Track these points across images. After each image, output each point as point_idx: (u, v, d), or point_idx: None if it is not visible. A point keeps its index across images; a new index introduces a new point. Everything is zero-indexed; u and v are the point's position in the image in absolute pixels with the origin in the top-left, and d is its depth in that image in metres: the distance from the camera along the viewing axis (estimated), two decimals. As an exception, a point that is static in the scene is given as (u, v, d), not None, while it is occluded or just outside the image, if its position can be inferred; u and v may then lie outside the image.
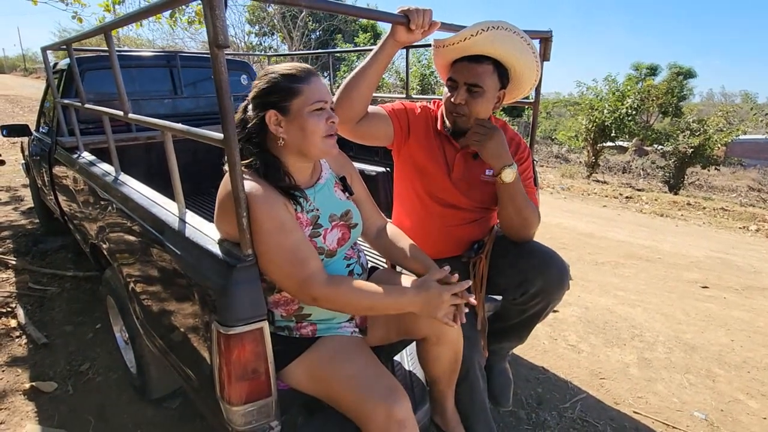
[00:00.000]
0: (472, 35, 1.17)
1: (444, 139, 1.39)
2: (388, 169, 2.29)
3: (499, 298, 1.47)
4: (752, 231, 5.18)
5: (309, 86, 0.98)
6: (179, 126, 1.07)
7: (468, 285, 1.00)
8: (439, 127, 1.40)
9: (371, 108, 1.32)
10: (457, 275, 1.04)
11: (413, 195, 1.45)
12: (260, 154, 1.00)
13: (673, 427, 1.76)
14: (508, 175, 1.23)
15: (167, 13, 5.29)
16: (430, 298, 0.97)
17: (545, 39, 1.56)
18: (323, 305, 0.97)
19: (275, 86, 0.98)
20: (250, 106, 1.01)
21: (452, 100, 1.28)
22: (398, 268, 1.42)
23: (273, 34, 16.12)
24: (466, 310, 1.00)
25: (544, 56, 1.56)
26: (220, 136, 0.86)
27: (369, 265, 1.27)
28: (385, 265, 1.63)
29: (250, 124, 1.00)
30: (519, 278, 1.31)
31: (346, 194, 1.16)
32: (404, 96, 2.25)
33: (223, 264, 0.95)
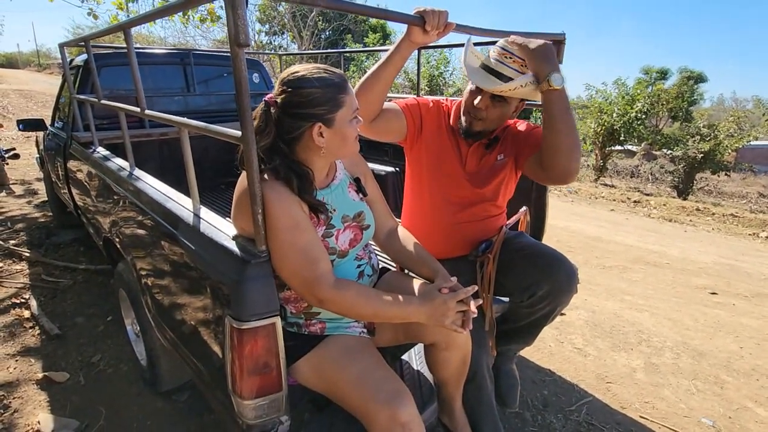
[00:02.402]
0: (512, 89, 1.18)
1: (456, 134, 1.40)
2: (397, 169, 2.30)
3: (507, 299, 1.48)
4: (762, 238, 5.12)
5: (349, 95, 0.98)
6: (197, 123, 1.08)
7: (474, 290, 0.99)
8: (452, 122, 1.41)
9: (385, 104, 1.33)
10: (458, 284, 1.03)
11: (424, 191, 1.46)
12: (291, 165, 0.97)
13: (680, 433, 1.76)
14: (557, 79, 1.12)
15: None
16: (435, 307, 0.96)
17: (558, 42, 1.56)
18: (328, 308, 0.98)
19: (322, 97, 0.94)
20: (282, 115, 0.95)
21: (474, 103, 1.29)
22: (407, 271, 1.43)
23: (283, 33, 16.19)
24: (474, 315, 0.99)
25: (558, 59, 1.56)
26: (238, 133, 0.88)
27: (380, 266, 1.27)
28: (394, 267, 1.64)
29: (291, 135, 0.96)
30: (527, 281, 1.31)
31: (360, 195, 1.16)
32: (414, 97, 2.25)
33: (237, 259, 0.97)
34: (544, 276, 1.28)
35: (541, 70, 1.14)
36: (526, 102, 1.36)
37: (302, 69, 0.96)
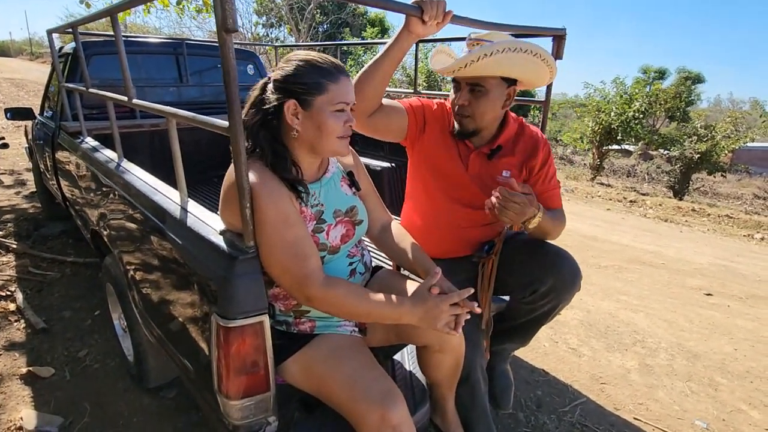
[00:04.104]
0: (473, 61, 1.15)
1: (459, 137, 1.37)
2: (393, 164, 2.26)
3: (506, 298, 1.45)
4: (757, 239, 5.14)
5: (337, 85, 0.94)
6: (184, 113, 1.05)
7: (470, 293, 0.96)
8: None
9: (388, 101, 1.30)
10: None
11: (425, 193, 1.42)
12: (270, 142, 0.96)
13: (674, 435, 1.75)
14: (535, 221, 1.18)
15: (175, 1, 5.25)
16: (428, 309, 0.93)
17: (559, 37, 1.53)
18: (317, 306, 0.95)
19: (303, 76, 0.93)
20: (270, 86, 0.96)
21: (456, 101, 1.27)
22: (401, 269, 1.39)
23: (280, 25, 16.05)
24: (468, 318, 0.96)
25: (557, 54, 1.53)
26: (226, 123, 0.84)
27: (373, 264, 1.24)
28: (389, 264, 1.61)
29: (267, 106, 0.95)
30: (530, 277, 1.28)
31: (353, 189, 1.13)
32: (412, 92, 2.22)
33: (225, 255, 0.93)
34: (547, 272, 1.25)
35: (527, 212, 1.16)
36: (518, 92, 1.32)
37: (304, 52, 0.97)
